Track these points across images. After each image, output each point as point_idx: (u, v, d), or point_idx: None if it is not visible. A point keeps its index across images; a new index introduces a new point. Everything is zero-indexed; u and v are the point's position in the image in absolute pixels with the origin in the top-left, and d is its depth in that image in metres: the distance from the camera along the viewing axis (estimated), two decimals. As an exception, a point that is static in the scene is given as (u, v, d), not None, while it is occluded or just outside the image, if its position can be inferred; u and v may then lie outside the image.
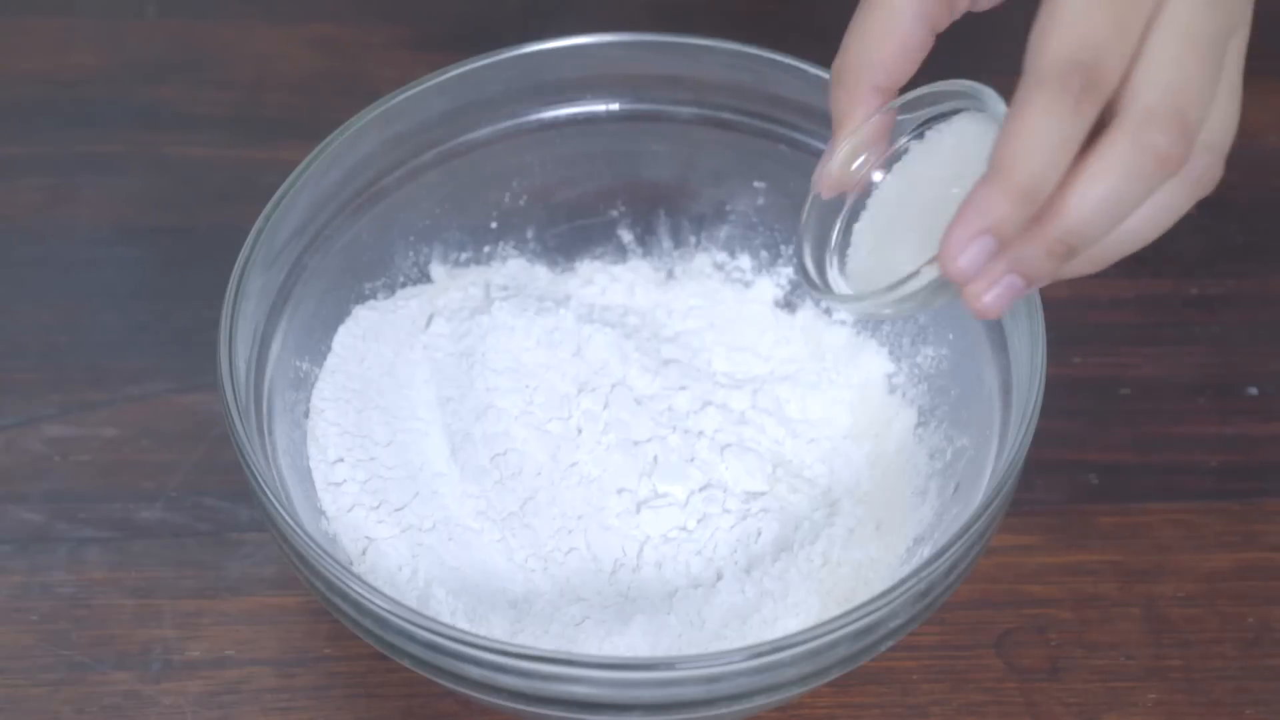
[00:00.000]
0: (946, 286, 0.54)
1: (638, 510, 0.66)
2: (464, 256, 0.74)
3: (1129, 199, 0.50)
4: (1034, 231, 0.51)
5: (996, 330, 0.65)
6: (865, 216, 0.60)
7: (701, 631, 0.63)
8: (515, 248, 0.74)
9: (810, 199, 0.60)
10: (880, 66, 0.56)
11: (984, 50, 0.66)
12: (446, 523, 0.66)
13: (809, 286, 0.60)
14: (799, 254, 0.61)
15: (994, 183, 0.50)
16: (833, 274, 0.60)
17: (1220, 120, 0.52)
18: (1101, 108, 0.50)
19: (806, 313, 0.73)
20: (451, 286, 0.73)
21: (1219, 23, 0.51)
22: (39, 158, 0.84)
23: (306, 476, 0.66)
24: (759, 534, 0.66)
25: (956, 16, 0.57)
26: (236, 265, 0.63)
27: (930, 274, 0.54)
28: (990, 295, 0.52)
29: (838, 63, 0.57)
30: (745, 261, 0.74)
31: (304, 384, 0.68)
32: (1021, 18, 0.52)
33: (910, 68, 0.57)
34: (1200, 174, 0.52)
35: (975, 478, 0.63)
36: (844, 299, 0.59)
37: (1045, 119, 0.49)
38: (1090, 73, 0.49)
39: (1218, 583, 0.70)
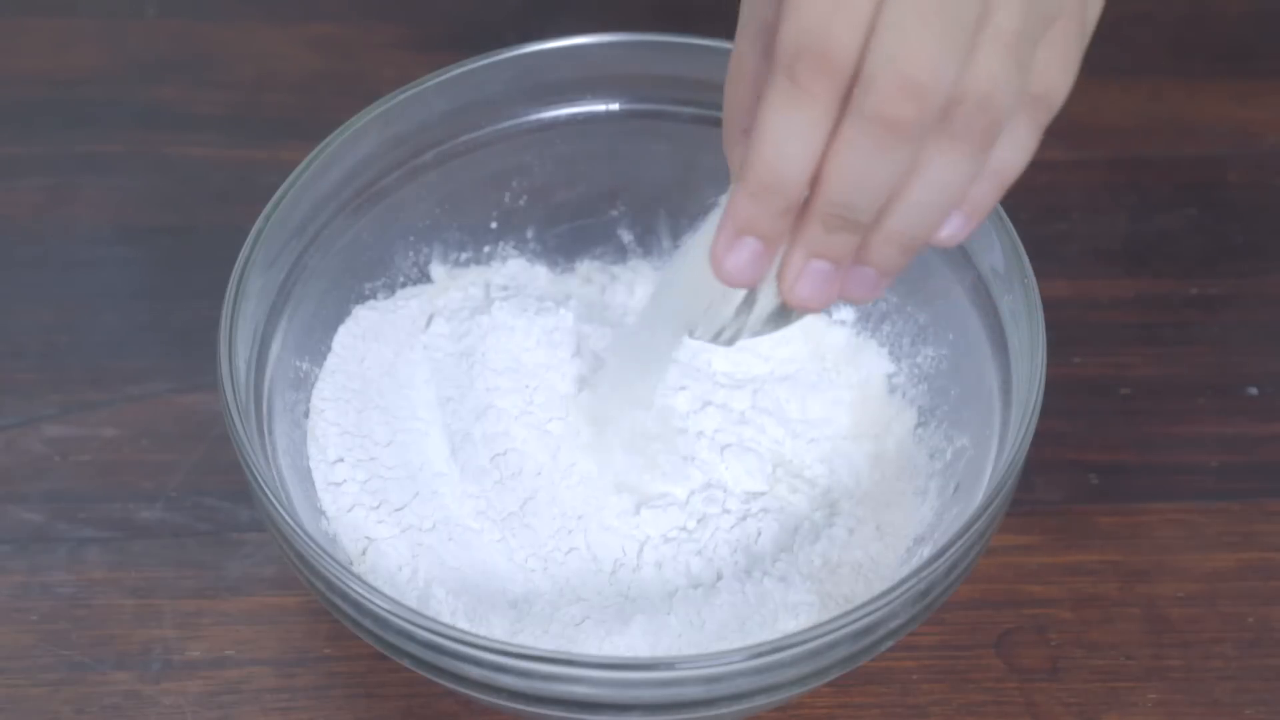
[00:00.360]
0: (780, 307, 0.55)
1: (637, 510, 0.66)
2: (464, 256, 0.74)
3: (878, 167, 0.50)
4: (806, 212, 0.51)
5: (996, 330, 0.65)
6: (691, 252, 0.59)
7: (701, 631, 0.63)
8: (515, 248, 0.74)
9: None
10: (741, 109, 0.56)
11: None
12: (446, 523, 0.66)
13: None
14: None
15: (738, 184, 0.51)
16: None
17: (985, 71, 0.50)
18: (841, 86, 0.49)
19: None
20: (451, 286, 0.73)
21: None
22: (39, 158, 0.84)
23: (306, 476, 0.66)
24: (759, 534, 0.66)
25: None
26: (236, 265, 0.63)
27: (734, 296, 0.55)
28: (802, 286, 0.53)
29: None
30: (745, 261, 0.74)
31: (304, 384, 0.68)
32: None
33: None
34: (973, 131, 0.50)
35: (975, 478, 0.63)
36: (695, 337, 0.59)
37: (775, 112, 0.50)
38: (814, 56, 0.49)
39: (1218, 583, 0.70)
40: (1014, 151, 0.52)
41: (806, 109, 0.50)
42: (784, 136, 0.50)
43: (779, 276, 0.53)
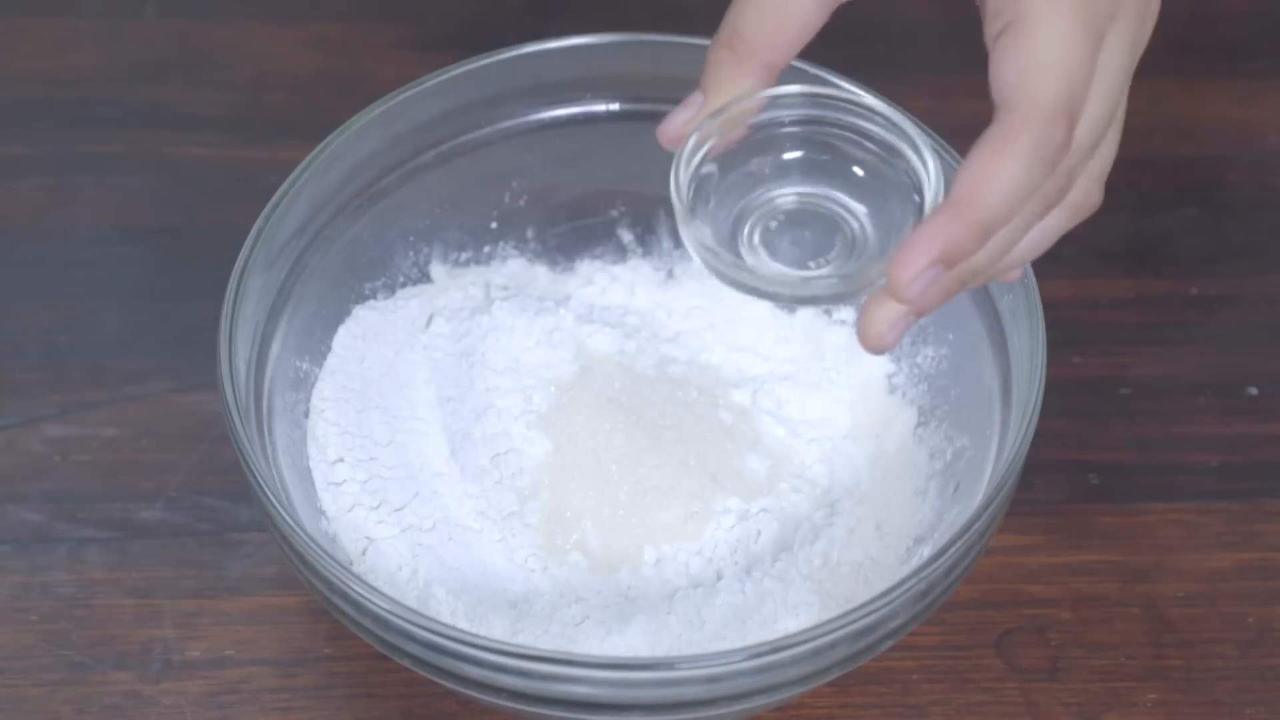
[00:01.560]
0: (855, 293, 0.55)
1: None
2: (464, 256, 0.74)
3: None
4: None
5: (996, 330, 0.65)
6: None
7: (701, 631, 0.63)
8: (515, 248, 0.74)
9: (677, 160, 0.59)
10: (779, 44, 0.55)
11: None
12: (446, 523, 0.66)
13: (705, 256, 0.58)
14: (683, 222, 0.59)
15: (959, 215, 0.50)
16: (746, 251, 0.59)
17: (1108, 153, 0.54)
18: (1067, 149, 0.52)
19: (806, 313, 0.73)
20: (451, 286, 0.73)
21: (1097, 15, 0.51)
22: (39, 158, 0.84)
23: (306, 476, 0.66)
24: (759, 534, 0.66)
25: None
26: (236, 265, 0.63)
27: (837, 284, 0.55)
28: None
29: (730, 27, 0.56)
30: (745, 261, 0.74)
31: (304, 384, 0.68)
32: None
33: (800, 48, 0.56)
34: (1080, 200, 0.54)
35: (975, 478, 0.63)
36: (749, 283, 0.58)
37: (1024, 164, 0.50)
38: (1073, 116, 0.50)
39: (1218, 583, 0.70)
40: None
41: (1048, 172, 0.51)
42: (1022, 191, 0.50)
43: (897, 282, 0.51)
